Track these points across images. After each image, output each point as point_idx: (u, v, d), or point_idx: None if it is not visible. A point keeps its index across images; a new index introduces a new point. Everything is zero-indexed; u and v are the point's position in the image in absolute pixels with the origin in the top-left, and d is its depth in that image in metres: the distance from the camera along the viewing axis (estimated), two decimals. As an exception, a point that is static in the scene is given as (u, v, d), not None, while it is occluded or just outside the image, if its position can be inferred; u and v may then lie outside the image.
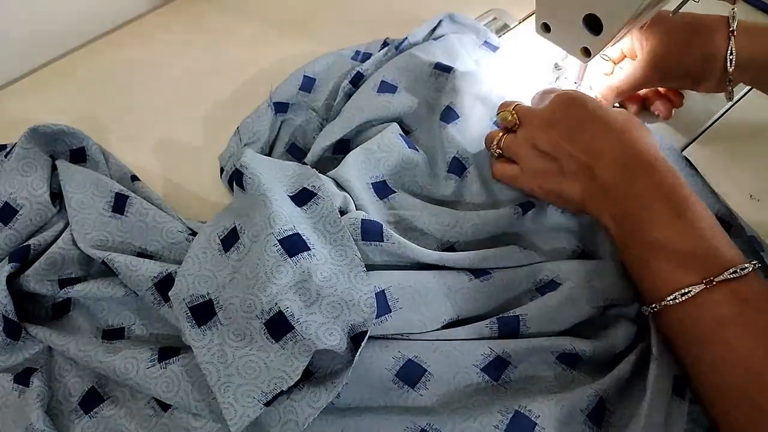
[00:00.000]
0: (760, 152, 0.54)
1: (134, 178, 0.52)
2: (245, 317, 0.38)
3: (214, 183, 0.53)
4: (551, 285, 0.43)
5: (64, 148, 0.51)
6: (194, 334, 0.39)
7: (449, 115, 0.52)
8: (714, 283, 0.37)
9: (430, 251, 0.43)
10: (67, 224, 0.46)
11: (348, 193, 0.46)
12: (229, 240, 0.43)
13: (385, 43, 0.60)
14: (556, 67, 0.56)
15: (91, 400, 0.40)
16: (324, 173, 0.47)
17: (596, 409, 0.37)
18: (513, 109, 0.49)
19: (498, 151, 0.50)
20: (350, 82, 0.55)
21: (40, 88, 0.61)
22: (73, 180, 0.47)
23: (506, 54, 0.60)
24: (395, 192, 0.49)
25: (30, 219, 0.46)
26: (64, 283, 0.44)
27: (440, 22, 0.60)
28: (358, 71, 0.56)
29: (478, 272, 0.43)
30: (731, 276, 0.37)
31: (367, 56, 0.59)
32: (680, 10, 0.49)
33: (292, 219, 0.41)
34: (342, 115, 0.53)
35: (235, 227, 0.43)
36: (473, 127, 0.53)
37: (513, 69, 0.59)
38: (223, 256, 0.42)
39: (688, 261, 0.38)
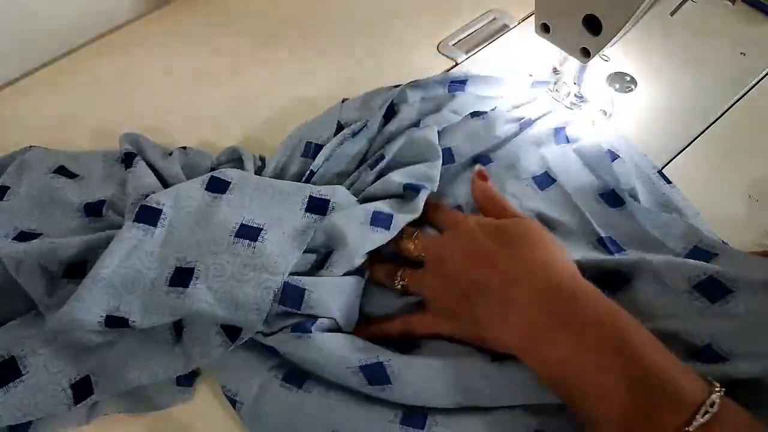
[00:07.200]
0: (759, 152, 0.54)
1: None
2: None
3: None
4: None
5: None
6: None
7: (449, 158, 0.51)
8: None
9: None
10: None
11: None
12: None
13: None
14: (555, 71, 0.57)
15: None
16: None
17: None
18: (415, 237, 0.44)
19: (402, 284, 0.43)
20: (369, 166, 0.51)
21: (40, 88, 0.61)
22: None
23: (475, 81, 0.56)
24: None
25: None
26: None
27: (405, 91, 0.55)
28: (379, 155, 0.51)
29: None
30: (704, 419, 0.30)
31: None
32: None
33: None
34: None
35: None
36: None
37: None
38: None
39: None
